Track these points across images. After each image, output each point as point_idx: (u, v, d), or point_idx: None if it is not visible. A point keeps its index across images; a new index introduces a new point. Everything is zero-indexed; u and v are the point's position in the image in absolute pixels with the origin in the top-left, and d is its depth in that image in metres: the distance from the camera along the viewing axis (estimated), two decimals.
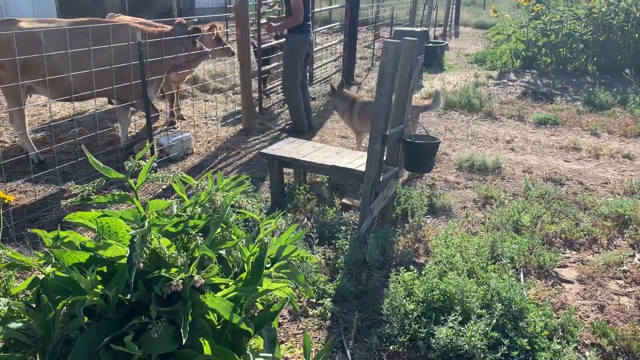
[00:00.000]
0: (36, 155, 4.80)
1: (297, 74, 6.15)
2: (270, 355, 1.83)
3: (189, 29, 5.07)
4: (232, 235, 1.98)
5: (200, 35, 5.24)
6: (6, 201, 2.69)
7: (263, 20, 6.83)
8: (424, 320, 2.66)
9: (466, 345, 2.46)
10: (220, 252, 1.97)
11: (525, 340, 2.51)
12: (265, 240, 1.88)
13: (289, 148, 4.40)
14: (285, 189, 4.40)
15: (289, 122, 6.47)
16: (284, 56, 6.24)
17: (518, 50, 11.11)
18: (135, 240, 1.64)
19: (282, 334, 2.80)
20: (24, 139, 4.79)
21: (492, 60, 11.21)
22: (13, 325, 1.70)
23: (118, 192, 1.86)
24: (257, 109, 7.27)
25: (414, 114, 4.98)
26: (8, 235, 3.62)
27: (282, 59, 6.31)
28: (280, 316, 2.92)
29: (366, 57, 11.59)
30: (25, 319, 1.74)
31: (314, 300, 3.02)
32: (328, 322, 2.88)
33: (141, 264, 1.61)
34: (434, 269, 2.98)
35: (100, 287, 1.67)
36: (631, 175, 5.22)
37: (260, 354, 1.82)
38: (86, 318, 1.66)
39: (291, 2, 5.80)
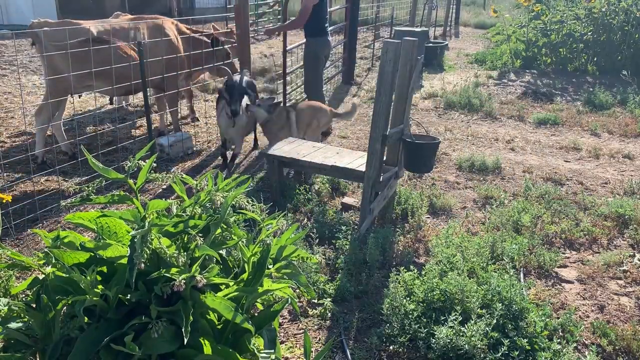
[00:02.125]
0: (41, 154, 4.81)
1: (321, 81, 6.12)
2: (272, 351, 1.84)
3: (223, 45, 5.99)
4: (233, 236, 1.97)
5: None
6: (4, 201, 2.69)
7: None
8: (424, 320, 2.66)
9: (466, 345, 2.46)
10: (221, 252, 1.97)
11: (525, 340, 2.51)
12: (267, 241, 1.88)
13: (289, 148, 4.40)
14: (285, 189, 4.40)
15: None
16: (305, 62, 6.10)
17: (518, 50, 11.11)
18: (135, 240, 1.64)
19: (282, 334, 2.80)
20: (40, 134, 4.85)
21: (492, 60, 11.21)
22: (13, 325, 1.70)
23: (118, 192, 1.86)
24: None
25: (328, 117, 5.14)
26: (8, 235, 3.62)
27: (303, 65, 6.24)
28: (280, 316, 2.92)
29: (366, 57, 11.59)
30: (25, 319, 1.73)
31: (315, 300, 3.02)
32: (328, 322, 2.88)
33: (142, 264, 1.61)
34: (434, 269, 2.98)
35: (100, 287, 1.67)
36: (631, 175, 5.22)
37: (263, 352, 1.82)
38: (86, 318, 1.66)
39: (302, 3, 5.77)
